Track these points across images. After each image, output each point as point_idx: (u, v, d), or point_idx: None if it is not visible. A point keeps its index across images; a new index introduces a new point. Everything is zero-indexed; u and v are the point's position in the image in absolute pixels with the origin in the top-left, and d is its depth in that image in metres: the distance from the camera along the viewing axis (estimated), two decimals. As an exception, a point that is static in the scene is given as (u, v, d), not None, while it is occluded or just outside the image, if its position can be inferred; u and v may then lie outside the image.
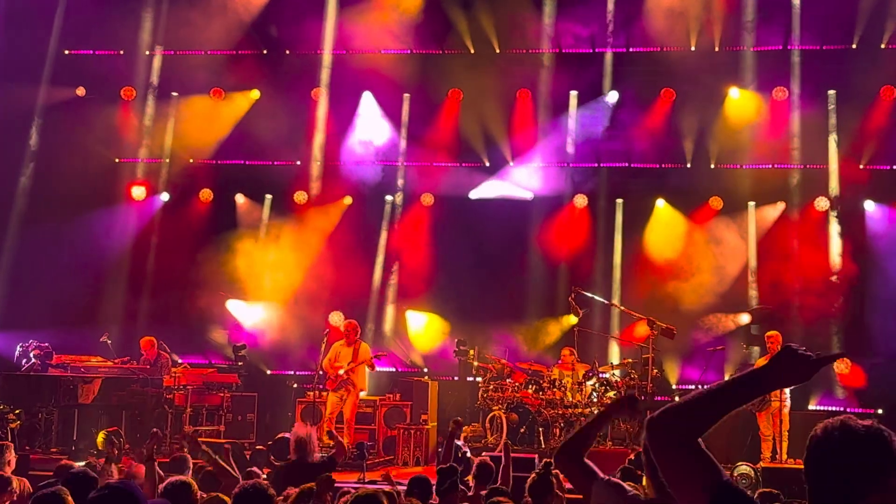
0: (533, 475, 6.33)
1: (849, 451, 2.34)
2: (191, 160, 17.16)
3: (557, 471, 6.93)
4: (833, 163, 15.48)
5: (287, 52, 17.04)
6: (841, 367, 14.76)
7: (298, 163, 16.93)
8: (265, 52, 16.99)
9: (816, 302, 14.80)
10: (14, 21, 15.96)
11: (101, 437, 10.45)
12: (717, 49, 15.64)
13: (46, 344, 13.67)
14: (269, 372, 16.62)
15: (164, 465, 7.68)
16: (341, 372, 13.16)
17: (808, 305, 14.81)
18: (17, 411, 12.39)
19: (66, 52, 16.82)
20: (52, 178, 16.11)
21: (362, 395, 13.64)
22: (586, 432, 3.84)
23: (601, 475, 3.58)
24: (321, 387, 13.44)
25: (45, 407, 13.14)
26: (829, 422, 2.39)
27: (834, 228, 15.41)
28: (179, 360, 14.81)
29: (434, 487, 6.92)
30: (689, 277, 15.44)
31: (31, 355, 13.55)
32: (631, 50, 16.13)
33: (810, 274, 15.09)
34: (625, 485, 3.57)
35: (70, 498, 4.64)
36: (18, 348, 13.86)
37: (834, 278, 15.13)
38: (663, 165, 16.32)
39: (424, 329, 16.38)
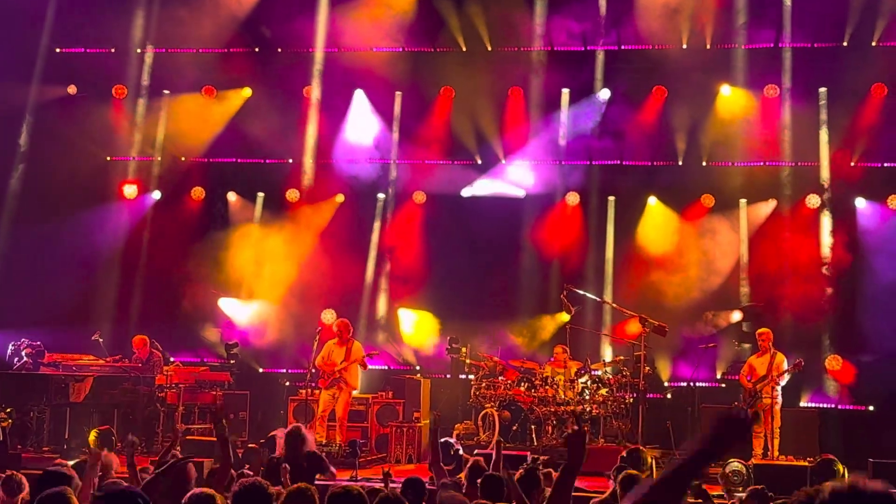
0: (520, 470, 6.39)
1: None
2: (182, 158, 17.13)
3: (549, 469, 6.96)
4: (824, 160, 15.51)
5: (279, 49, 17.01)
6: (832, 363, 14.82)
7: (290, 161, 16.90)
8: (257, 49, 16.96)
9: (807, 296, 14.83)
10: (5, 19, 15.87)
11: (92, 436, 10.46)
12: (708, 47, 15.65)
13: (38, 342, 13.65)
14: (261, 370, 16.60)
15: (154, 463, 7.65)
16: (337, 369, 13.17)
17: (799, 301, 14.84)
18: (9, 410, 12.36)
19: (58, 49, 16.77)
20: (43, 176, 16.09)
21: (354, 393, 13.65)
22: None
23: None
24: (313, 385, 13.44)
25: (37, 405, 13.14)
26: (837, 486, 2.33)
27: (825, 225, 15.45)
28: (172, 359, 14.76)
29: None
30: (680, 275, 15.47)
31: (23, 354, 13.54)
32: (623, 48, 16.12)
33: (802, 271, 15.13)
34: None
35: (75, 498, 4.63)
36: (10, 347, 13.84)
37: (825, 269, 15.17)
38: (655, 163, 16.32)
39: (417, 327, 16.37)
